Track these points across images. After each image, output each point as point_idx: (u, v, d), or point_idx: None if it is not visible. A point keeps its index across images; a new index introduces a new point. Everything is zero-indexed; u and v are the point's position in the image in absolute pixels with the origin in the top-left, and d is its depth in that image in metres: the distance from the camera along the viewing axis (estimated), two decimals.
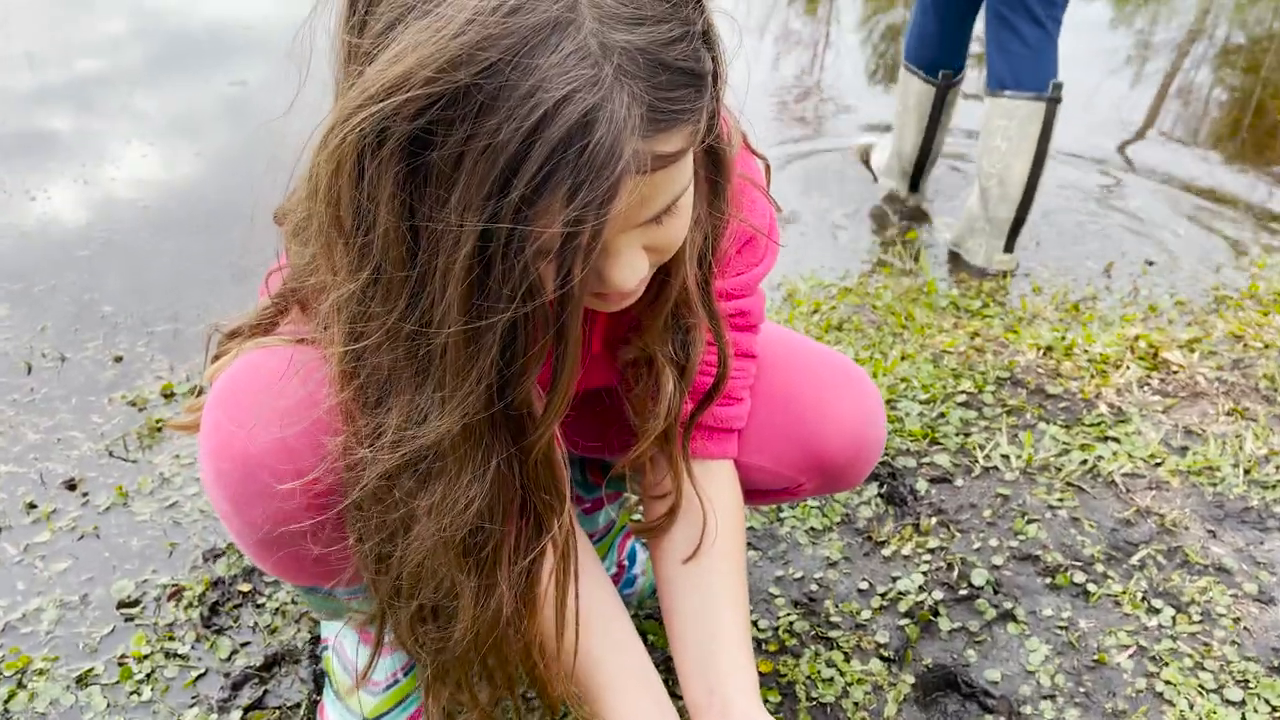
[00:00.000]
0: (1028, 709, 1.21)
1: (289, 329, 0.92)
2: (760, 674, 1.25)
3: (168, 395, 1.80)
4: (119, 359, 1.90)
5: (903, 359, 1.94)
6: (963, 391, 1.82)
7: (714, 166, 0.84)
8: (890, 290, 2.24)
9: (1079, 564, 1.41)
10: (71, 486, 1.58)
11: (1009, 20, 2.21)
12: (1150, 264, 2.47)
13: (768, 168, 1.02)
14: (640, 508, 1.42)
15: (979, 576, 1.38)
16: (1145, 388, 1.86)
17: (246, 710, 1.21)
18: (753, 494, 1.14)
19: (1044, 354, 1.98)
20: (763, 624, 1.33)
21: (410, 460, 0.75)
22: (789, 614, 1.34)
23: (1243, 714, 1.18)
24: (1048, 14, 2.20)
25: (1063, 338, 2.03)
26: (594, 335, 1.01)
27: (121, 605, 1.36)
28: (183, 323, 2.04)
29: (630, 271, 0.74)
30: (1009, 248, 2.38)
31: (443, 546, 0.78)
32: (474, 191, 0.62)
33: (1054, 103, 2.19)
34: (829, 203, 2.74)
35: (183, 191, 2.63)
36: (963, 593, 1.37)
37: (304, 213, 0.81)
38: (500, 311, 0.65)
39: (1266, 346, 2.03)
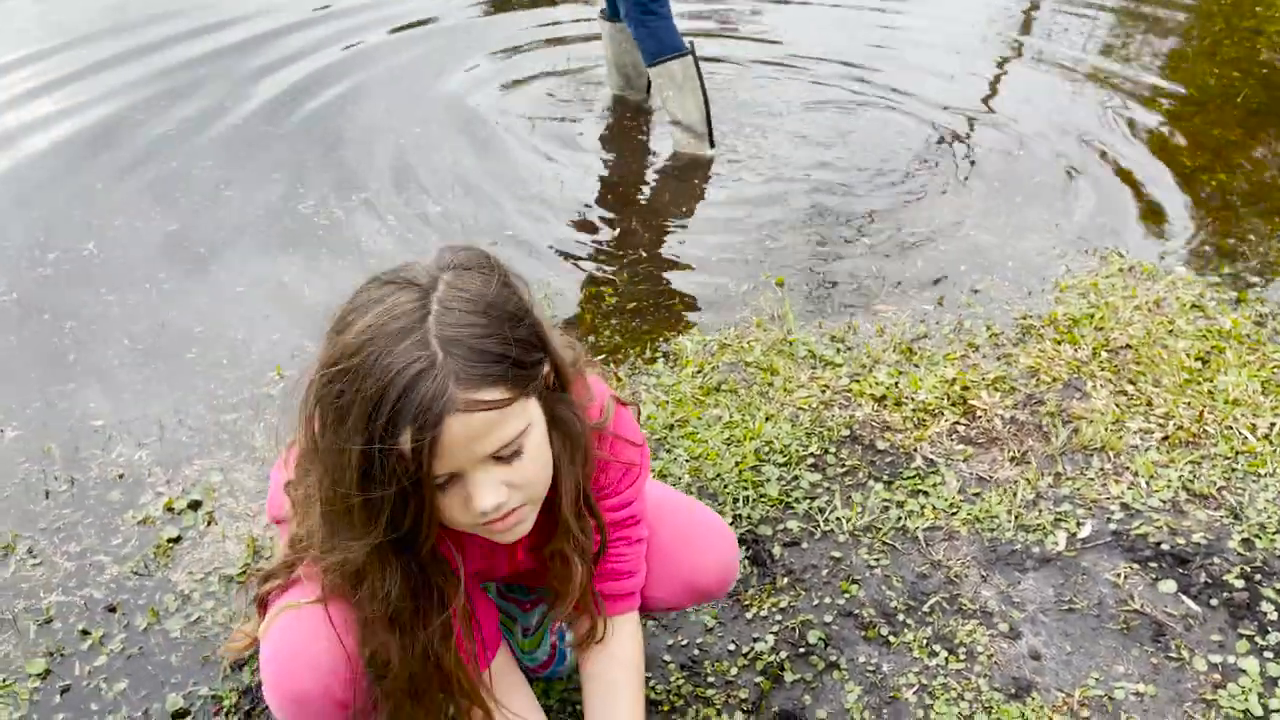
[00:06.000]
0: None
1: (304, 575, 1.35)
2: None
3: (170, 510, 2.20)
4: (121, 476, 2.29)
5: (767, 419, 2.42)
6: (811, 454, 2.31)
7: (569, 440, 1.31)
8: (760, 344, 2.70)
9: (885, 617, 1.94)
10: (112, 610, 1.99)
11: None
12: (976, 291, 2.97)
13: (637, 409, 1.49)
14: None
15: (814, 635, 1.90)
16: (954, 435, 2.38)
17: None
18: (649, 609, 1.65)
19: (879, 404, 2.47)
20: (659, 688, 1.83)
21: (353, 574, 1.23)
22: (677, 678, 1.85)
23: None
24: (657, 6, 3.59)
25: (896, 384, 2.53)
26: (519, 550, 1.47)
27: (176, 716, 1.80)
28: (167, 429, 2.42)
29: (488, 495, 1.18)
30: (712, 144, 3.79)
31: (380, 619, 1.26)
32: (358, 421, 1.10)
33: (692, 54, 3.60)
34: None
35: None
36: (802, 650, 1.89)
37: (300, 457, 1.27)
38: (382, 489, 1.12)
39: (1054, 380, 2.55)
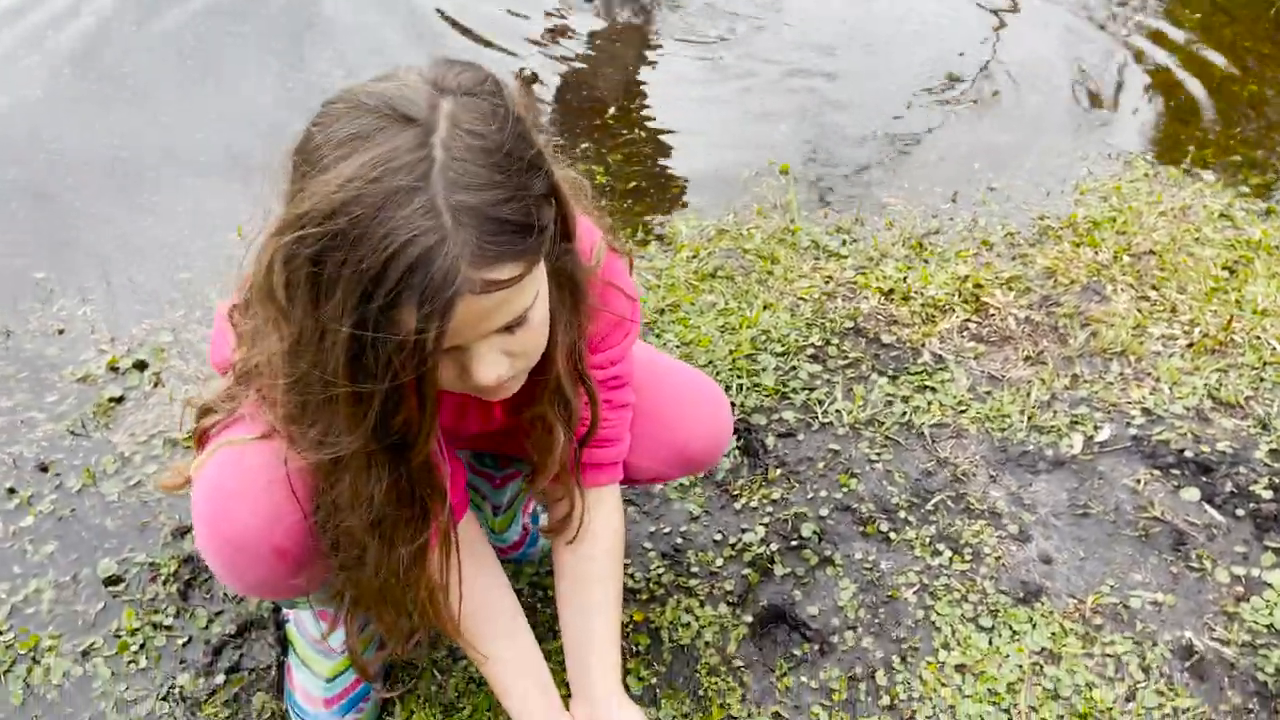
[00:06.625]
0: (835, 638, 1.61)
1: (248, 413, 1.18)
2: (634, 621, 1.62)
3: (114, 369, 2.01)
4: (61, 331, 2.09)
5: (765, 308, 2.24)
6: (812, 344, 2.14)
7: (570, 292, 1.13)
8: (760, 231, 2.51)
9: (886, 513, 1.79)
10: (44, 469, 1.81)
11: None
12: (992, 189, 2.78)
13: (630, 261, 1.31)
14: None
15: (807, 529, 1.75)
16: (964, 333, 2.21)
17: (228, 672, 1.53)
18: (633, 480, 1.49)
19: (886, 297, 2.30)
20: (638, 576, 1.68)
21: (329, 462, 1.04)
22: (658, 566, 1.70)
23: (990, 638, 1.60)
24: None
25: (904, 278, 2.36)
26: (497, 407, 1.29)
27: (108, 583, 1.65)
28: (115, 286, 2.22)
29: (490, 370, 1.02)
30: None
31: (359, 524, 1.09)
32: (348, 299, 0.90)
33: None
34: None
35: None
36: (794, 543, 1.74)
37: (254, 304, 1.06)
38: (374, 382, 0.94)
39: (1072, 283, 2.39)
